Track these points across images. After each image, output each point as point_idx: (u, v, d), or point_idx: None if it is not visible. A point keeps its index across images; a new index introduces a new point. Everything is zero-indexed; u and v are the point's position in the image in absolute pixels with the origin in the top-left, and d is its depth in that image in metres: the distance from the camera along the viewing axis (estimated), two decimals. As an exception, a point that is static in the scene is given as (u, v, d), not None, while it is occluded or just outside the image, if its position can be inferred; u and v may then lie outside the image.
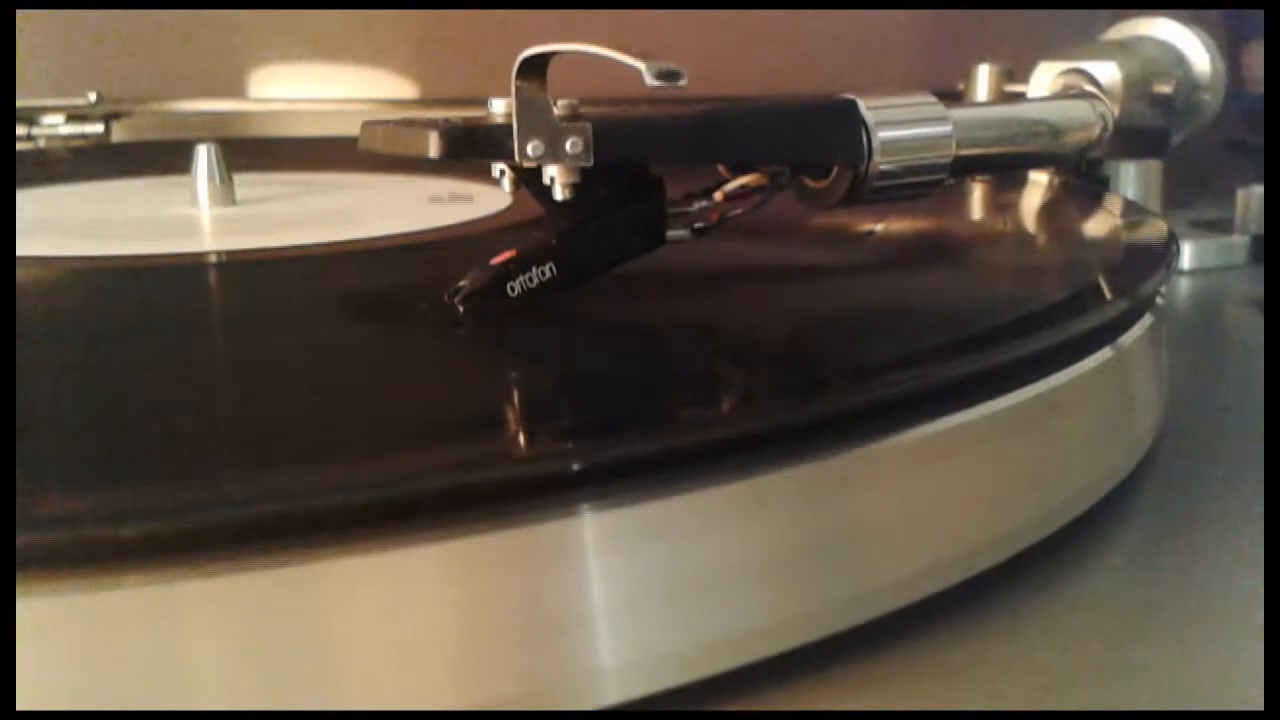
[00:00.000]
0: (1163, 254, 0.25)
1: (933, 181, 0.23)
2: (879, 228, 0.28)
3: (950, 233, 0.30)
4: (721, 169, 0.22)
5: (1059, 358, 0.19)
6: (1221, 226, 0.42)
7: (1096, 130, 0.29)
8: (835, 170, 0.22)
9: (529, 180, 0.20)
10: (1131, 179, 0.40)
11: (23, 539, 0.12)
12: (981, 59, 0.43)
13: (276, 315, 0.22)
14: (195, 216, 0.32)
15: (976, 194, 0.35)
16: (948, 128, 0.23)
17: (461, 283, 0.20)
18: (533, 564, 0.13)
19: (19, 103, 0.52)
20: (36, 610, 0.12)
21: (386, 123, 0.20)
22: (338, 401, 0.16)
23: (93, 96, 0.57)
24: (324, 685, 0.12)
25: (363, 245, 0.28)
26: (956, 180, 0.24)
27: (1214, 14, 0.46)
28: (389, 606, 0.13)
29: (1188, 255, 0.40)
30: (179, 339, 0.20)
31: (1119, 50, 0.38)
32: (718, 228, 0.22)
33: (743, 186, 0.21)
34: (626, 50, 0.17)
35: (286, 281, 0.25)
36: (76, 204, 0.35)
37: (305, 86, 0.64)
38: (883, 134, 0.21)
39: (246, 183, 0.34)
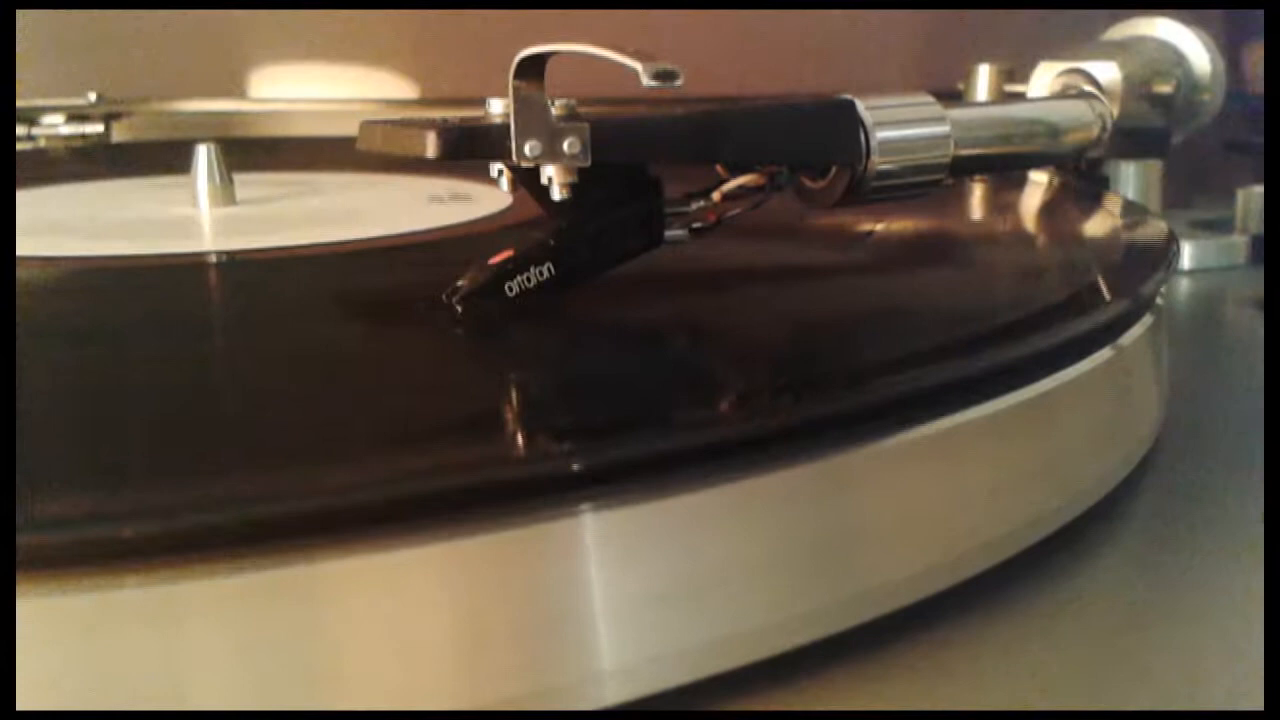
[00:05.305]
0: (1162, 254, 0.25)
1: (931, 182, 0.23)
2: (878, 228, 0.28)
3: (950, 233, 0.30)
4: (720, 169, 0.22)
5: (1059, 358, 0.19)
6: (1221, 226, 0.42)
7: (1095, 130, 0.29)
8: (833, 170, 0.22)
9: (527, 180, 0.20)
10: (1131, 179, 0.40)
11: (22, 539, 0.12)
12: (981, 59, 0.43)
13: (276, 315, 0.22)
14: (195, 216, 0.32)
15: (976, 194, 0.35)
16: (946, 128, 0.23)
17: (460, 282, 0.20)
18: (532, 564, 0.13)
19: (19, 103, 0.52)
20: (35, 610, 0.12)
21: (385, 123, 0.20)
22: (336, 402, 0.16)
23: (93, 96, 0.57)
24: (323, 686, 0.12)
25: (362, 245, 0.28)
26: (955, 180, 0.24)
27: (1214, 14, 0.46)
28: (389, 607, 0.13)
29: (1188, 255, 0.40)
30: (178, 339, 0.20)
31: (1119, 50, 0.38)
32: (716, 228, 0.22)
33: (741, 187, 0.21)
34: (623, 50, 0.17)
35: (286, 281, 0.25)
36: (76, 204, 0.35)
37: (305, 86, 0.64)
38: (881, 134, 0.21)
39: (246, 183, 0.34)
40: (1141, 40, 0.40)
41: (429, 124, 0.19)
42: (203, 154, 0.33)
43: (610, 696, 0.14)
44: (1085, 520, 0.19)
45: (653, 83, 0.16)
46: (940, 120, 0.23)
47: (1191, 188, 0.45)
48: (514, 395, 0.17)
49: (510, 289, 0.19)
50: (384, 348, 0.19)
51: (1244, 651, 0.16)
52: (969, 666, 0.16)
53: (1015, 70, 0.42)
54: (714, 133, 0.20)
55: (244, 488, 0.13)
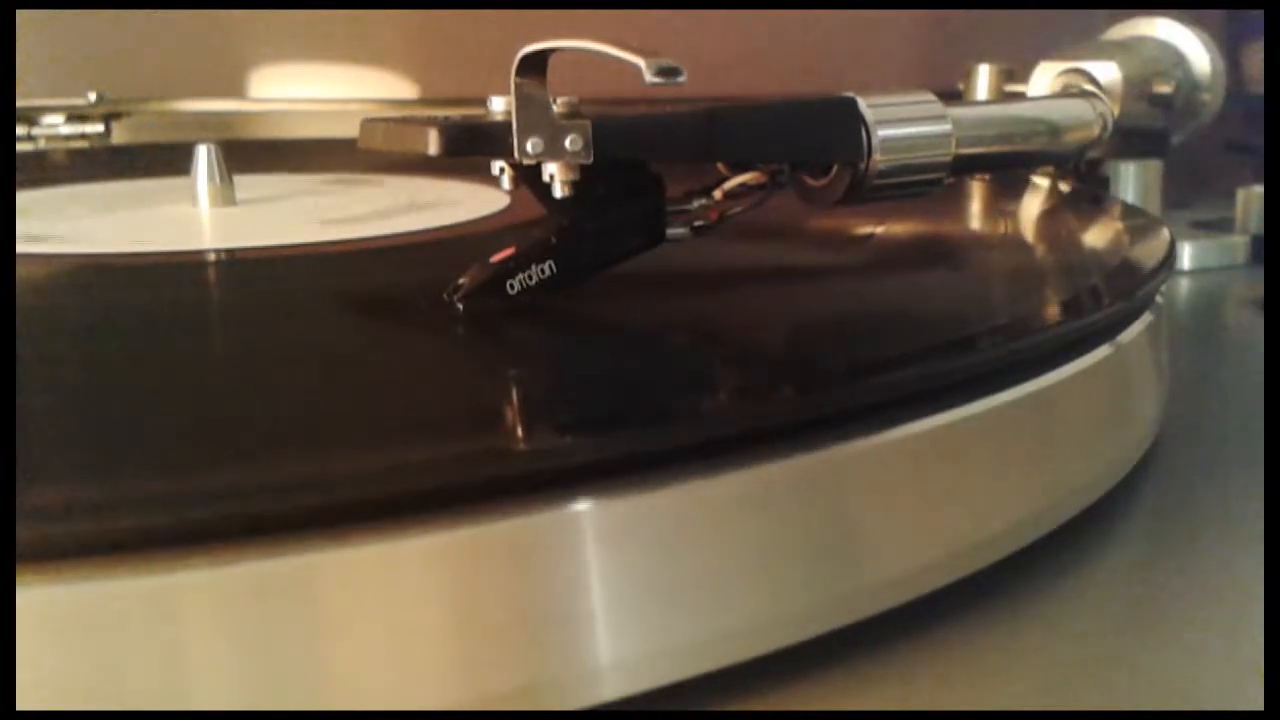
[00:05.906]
0: (1161, 253, 0.25)
1: (932, 180, 0.23)
2: (879, 228, 0.28)
3: (950, 233, 0.30)
4: (721, 167, 0.22)
5: (1058, 355, 0.19)
6: (1221, 226, 0.42)
7: (1096, 129, 0.29)
8: (835, 168, 0.22)
9: (529, 178, 0.20)
10: (1131, 179, 0.40)
11: (20, 531, 0.12)
12: (981, 59, 0.43)
13: (275, 313, 0.22)
14: (195, 216, 0.32)
15: (977, 195, 0.35)
16: (947, 126, 0.23)
17: (461, 280, 0.20)
18: (530, 558, 0.13)
19: (19, 103, 0.52)
20: (33, 605, 0.12)
21: (386, 120, 0.20)
22: (337, 397, 0.16)
23: (93, 96, 0.57)
24: (319, 678, 0.12)
25: (363, 245, 0.28)
26: (956, 179, 0.24)
27: (1214, 14, 0.46)
28: (385, 600, 0.13)
29: (1188, 255, 0.40)
30: (178, 337, 0.20)
31: (1119, 50, 0.38)
32: (717, 226, 0.22)
33: (743, 185, 0.21)
34: (626, 47, 0.17)
35: (286, 280, 0.25)
36: (76, 204, 0.35)
37: (305, 86, 0.64)
38: (882, 132, 0.21)
39: (246, 183, 0.34)
40: (1141, 40, 0.40)
41: (430, 121, 0.18)
42: (203, 154, 0.33)
43: (608, 693, 0.14)
44: (1085, 519, 0.19)
45: (655, 79, 0.16)
46: (941, 118, 0.23)
47: (1191, 188, 0.45)
48: (514, 390, 0.17)
49: (512, 287, 0.19)
50: (385, 345, 0.19)
51: (1244, 651, 0.16)
52: (969, 666, 0.16)
53: (1015, 70, 0.42)
54: (715, 130, 0.20)
55: (241, 480, 0.13)
